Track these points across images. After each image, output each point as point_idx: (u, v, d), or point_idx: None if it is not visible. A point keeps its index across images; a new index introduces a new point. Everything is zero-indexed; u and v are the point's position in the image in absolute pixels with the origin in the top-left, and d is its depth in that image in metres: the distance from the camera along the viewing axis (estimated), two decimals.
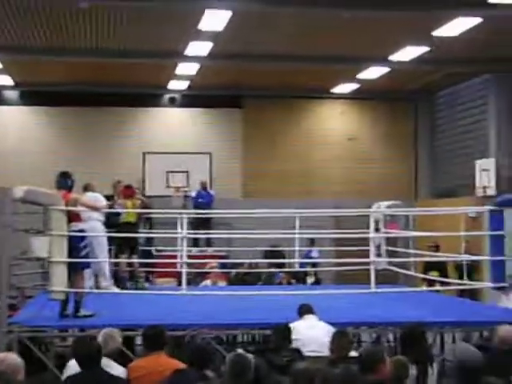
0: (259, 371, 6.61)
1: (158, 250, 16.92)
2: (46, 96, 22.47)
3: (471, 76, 21.24)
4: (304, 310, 8.59)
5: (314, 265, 17.57)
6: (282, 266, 16.99)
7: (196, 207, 19.74)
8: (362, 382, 5.88)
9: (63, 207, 9.41)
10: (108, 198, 13.16)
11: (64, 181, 9.80)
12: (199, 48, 17.62)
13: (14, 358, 5.51)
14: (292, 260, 15.55)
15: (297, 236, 13.94)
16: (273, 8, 14.65)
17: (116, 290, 12.35)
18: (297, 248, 14.12)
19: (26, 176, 19.27)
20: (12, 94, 22.77)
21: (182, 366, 6.41)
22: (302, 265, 16.30)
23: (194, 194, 20.48)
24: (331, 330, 7.73)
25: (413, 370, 6.65)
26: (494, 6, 14.11)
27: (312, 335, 8.07)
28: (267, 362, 7.13)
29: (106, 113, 22.88)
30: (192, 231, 16.14)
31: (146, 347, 6.99)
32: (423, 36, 16.61)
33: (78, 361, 6.20)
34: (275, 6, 14.47)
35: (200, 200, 20.09)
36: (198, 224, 18.33)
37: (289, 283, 16.93)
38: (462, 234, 12.71)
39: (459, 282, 14.30)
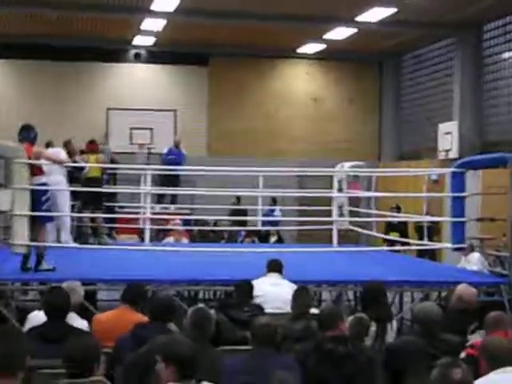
0: (220, 325, 6.68)
1: (121, 207, 16.87)
2: (8, 48, 22.09)
3: (437, 39, 21.32)
4: (272, 267, 8.62)
5: (276, 224, 17.65)
6: (244, 224, 17.05)
7: (166, 164, 19.60)
8: (320, 338, 5.98)
9: (26, 160, 9.33)
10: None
11: (27, 133, 9.67)
12: (166, 3, 17.44)
13: None
14: (255, 218, 15.59)
15: (260, 194, 13.98)
16: None
17: (74, 244, 12.29)
18: (259, 207, 14.16)
19: None
20: None
21: (146, 320, 6.45)
22: (264, 224, 16.37)
23: (165, 150, 20.32)
24: (294, 287, 7.80)
25: (372, 328, 6.76)
26: None
27: (274, 292, 8.13)
28: (229, 318, 7.21)
29: (70, 67, 22.59)
30: (157, 188, 16.12)
31: (122, 299, 7.06)
32: None
33: (47, 311, 6.20)
34: None
35: (170, 157, 19.94)
36: (165, 181, 18.27)
37: (252, 242, 17.03)
38: (424, 195, 12.84)
39: (419, 242, 14.48)
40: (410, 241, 14.93)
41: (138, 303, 6.97)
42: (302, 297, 7.22)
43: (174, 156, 19.92)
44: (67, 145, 13.40)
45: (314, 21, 19.23)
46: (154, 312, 6.30)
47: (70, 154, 12.94)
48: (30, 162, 9.38)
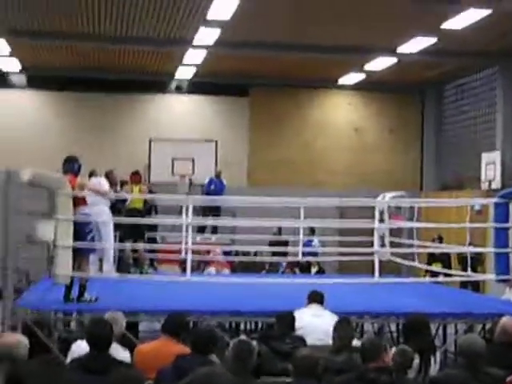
0: (262, 357, 6.66)
1: (162, 237, 16.95)
2: (53, 81, 22.51)
3: (479, 69, 21.22)
4: (312, 298, 8.58)
5: (316, 254, 17.56)
6: (285, 255, 17.00)
7: (207, 194, 19.72)
8: (363, 369, 5.92)
9: (70, 191, 9.43)
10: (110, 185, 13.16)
11: (71, 165, 9.81)
12: (207, 36, 17.61)
13: (22, 339, 5.56)
14: (295, 249, 15.54)
15: (301, 225, 13.94)
16: None
17: (116, 274, 12.37)
18: (301, 237, 14.12)
19: (33, 160, 19.30)
20: (20, 78, 22.79)
21: (187, 351, 6.44)
22: (305, 254, 16.29)
23: (206, 181, 20.44)
24: (335, 319, 7.75)
25: (416, 360, 6.68)
26: None
27: (316, 324, 8.09)
28: (270, 349, 7.18)
29: (113, 99, 22.90)
30: (198, 218, 16.17)
31: (162, 330, 7.07)
32: (432, 27, 16.59)
33: (90, 341, 6.22)
34: None
35: (212, 187, 20.07)
36: (207, 211, 18.38)
37: (293, 272, 16.97)
38: (467, 225, 12.70)
39: (462, 273, 14.30)
40: (453, 272, 14.77)
41: (179, 334, 6.96)
42: (343, 328, 7.17)
43: (216, 186, 20.02)
44: (109, 175, 13.54)
45: (355, 52, 19.24)
46: (196, 343, 6.30)
47: (111, 184, 13.07)
48: (74, 192, 9.49)
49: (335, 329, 7.17)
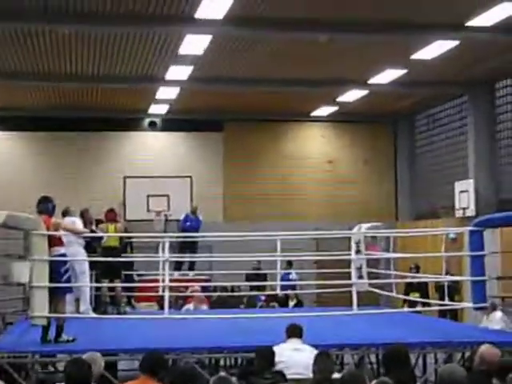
0: None
1: (139, 275, 16.87)
2: (25, 121, 22.42)
3: (449, 98, 21.46)
4: (291, 332, 8.55)
5: (294, 287, 17.56)
6: (263, 288, 16.98)
7: (183, 231, 19.68)
8: None
9: (44, 232, 9.38)
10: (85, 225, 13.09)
11: (45, 206, 9.77)
12: (179, 72, 17.68)
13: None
14: (273, 283, 15.53)
15: (279, 259, 13.93)
16: (251, 32, 14.74)
17: (93, 314, 12.28)
18: (278, 271, 14.12)
19: (7, 200, 19.20)
20: None
21: None
22: (283, 288, 16.27)
23: (182, 216, 20.42)
24: (315, 352, 7.71)
25: None
26: (471, 28, 14.29)
27: (296, 358, 8.05)
28: None
29: (86, 137, 22.86)
30: (175, 255, 16.13)
31: (140, 370, 7.00)
32: (401, 59, 16.78)
33: (68, 383, 6.15)
34: (253, 30, 14.55)
35: (188, 223, 20.05)
36: (183, 247, 18.33)
37: (271, 306, 16.93)
38: (443, 254, 12.77)
39: (440, 302, 14.34)
40: (431, 301, 14.79)
41: (157, 373, 6.89)
42: (323, 361, 7.14)
43: (192, 222, 20.00)
44: (84, 214, 13.48)
45: (327, 84, 19.39)
46: (175, 382, 6.23)
47: (86, 223, 13.02)
48: (49, 233, 9.44)
49: (315, 362, 7.14)
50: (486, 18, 13.81)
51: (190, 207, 20.88)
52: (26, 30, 14.53)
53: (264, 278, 18.04)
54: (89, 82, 18.85)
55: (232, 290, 17.81)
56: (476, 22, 14.01)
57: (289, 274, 17.87)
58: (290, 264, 18.45)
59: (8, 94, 20.36)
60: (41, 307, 9.24)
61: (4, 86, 19.46)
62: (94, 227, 13.51)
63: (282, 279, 16.28)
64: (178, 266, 18.48)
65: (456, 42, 15.34)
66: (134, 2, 13.00)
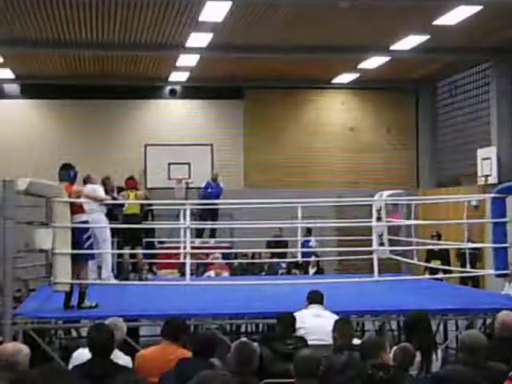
0: (264, 359, 6.65)
1: (160, 242, 16.95)
2: (46, 89, 22.51)
3: (472, 65, 21.24)
4: (312, 298, 8.57)
5: (315, 254, 17.58)
6: (284, 256, 17.02)
7: (204, 198, 19.71)
8: (363, 368, 5.92)
9: (66, 199, 9.42)
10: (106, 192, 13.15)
11: (66, 173, 9.80)
12: (199, 39, 17.62)
13: (23, 347, 5.56)
14: (294, 250, 15.56)
15: (299, 225, 13.95)
16: None
17: (115, 281, 12.37)
18: (298, 238, 14.14)
19: (28, 168, 19.32)
20: (13, 88, 22.79)
21: (189, 354, 6.43)
22: (304, 255, 16.30)
23: (203, 184, 20.45)
24: (336, 318, 7.74)
25: (417, 357, 6.68)
26: None
27: (317, 324, 8.07)
28: (272, 350, 7.17)
29: (107, 105, 22.91)
30: (196, 222, 16.18)
31: (162, 335, 7.06)
32: (424, 25, 16.60)
33: (92, 348, 6.21)
34: None
35: (209, 191, 20.08)
36: (204, 215, 18.38)
37: (293, 273, 16.99)
38: (465, 221, 12.71)
39: (461, 269, 14.31)
40: (452, 268, 14.77)
41: (178, 338, 6.96)
42: (343, 328, 7.15)
43: (213, 190, 20.03)
44: (105, 182, 13.53)
45: (348, 51, 19.25)
46: (196, 347, 6.29)
47: (107, 190, 13.07)
48: (71, 200, 9.48)
49: (334, 328, 7.16)
50: None
51: (211, 175, 20.89)
52: None
53: (285, 245, 18.05)
54: (109, 49, 18.82)
55: (253, 257, 17.86)
56: None
57: (308, 241, 17.88)
58: (309, 231, 18.46)
59: (29, 62, 20.40)
60: (63, 274, 9.30)
61: (25, 54, 19.50)
62: (115, 194, 13.56)
63: (302, 246, 16.33)
64: (199, 233, 18.56)
65: (479, 7, 15.14)
66: None
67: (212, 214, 18.81)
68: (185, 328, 7.19)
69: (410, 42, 18.09)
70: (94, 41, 18.08)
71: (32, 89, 22.58)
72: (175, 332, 6.97)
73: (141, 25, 16.65)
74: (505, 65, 19.67)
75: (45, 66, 20.83)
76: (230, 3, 14.68)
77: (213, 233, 19.19)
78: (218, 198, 19.72)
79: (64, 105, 22.81)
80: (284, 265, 17.50)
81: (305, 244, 17.34)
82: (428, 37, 17.59)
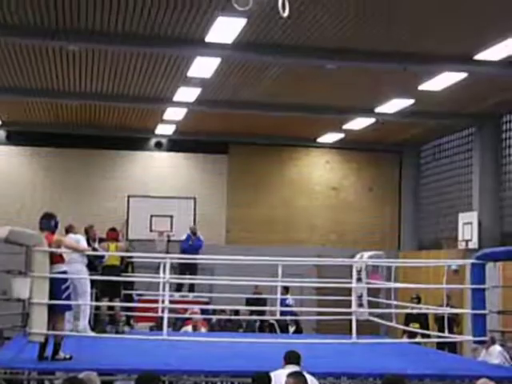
0: None
1: (139, 295, 16.83)
2: (32, 136, 22.55)
3: (456, 129, 21.49)
4: (289, 358, 8.51)
5: (293, 313, 17.48)
6: (263, 313, 16.92)
7: (184, 252, 19.66)
8: None
9: (46, 248, 9.38)
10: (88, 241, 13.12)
11: (47, 222, 9.77)
12: (187, 94, 17.77)
13: None
14: (272, 308, 15.49)
15: (279, 284, 13.91)
16: (259, 57, 14.80)
17: (91, 333, 12.24)
18: (278, 296, 14.08)
19: (9, 216, 19.27)
20: None
21: None
22: (282, 313, 16.21)
23: (183, 237, 20.42)
24: (313, 380, 7.69)
25: None
26: (479, 62, 14.35)
27: None
28: None
29: (92, 155, 22.95)
30: (176, 276, 16.09)
31: None
32: (409, 89, 16.83)
33: None
34: (262, 55, 14.62)
35: (190, 243, 20.05)
36: (183, 269, 18.30)
37: (271, 331, 16.87)
38: (444, 286, 12.73)
39: (440, 334, 14.27)
40: (431, 332, 14.72)
41: None
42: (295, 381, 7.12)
43: (193, 242, 20.00)
44: (88, 230, 13.49)
45: (333, 111, 19.45)
46: None
47: (90, 239, 13.02)
48: (51, 250, 9.43)
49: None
50: (494, 53, 13.87)
51: (190, 228, 20.89)
52: (36, 46, 14.61)
53: (264, 302, 17.97)
54: (97, 99, 18.93)
55: (235, 314, 17.74)
56: (484, 55, 14.07)
57: (285, 299, 17.78)
58: (286, 289, 18.39)
59: (17, 109, 20.46)
60: (39, 324, 9.21)
61: (13, 102, 19.56)
62: (96, 245, 13.52)
63: (281, 305, 16.25)
64: (178, 287, 18.44)
65: (464, 75, 15.39)
66: (145, 23, 13.09)
67: (191, 268, 18.72)
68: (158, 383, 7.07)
69: (394, 105, 18.31)
70: (82, 91, 18.18)
71: (18, 135, 22.60)
72: None
73: (130, 77, 16.77)
74: (488, 131, 19.92)
75: (32, 113, 20.89)
76: (219, 60, 14.85)
77: (191, 287, 19.09)
78: (197, 250, 19.68)
79: (49, 152, 22.82)
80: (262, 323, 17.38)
81: (282, 302, 17.25)
82: (413, 101, 17.83)
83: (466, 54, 14.21)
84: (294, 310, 17.48)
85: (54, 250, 9.52)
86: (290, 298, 17.80)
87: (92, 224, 13.98)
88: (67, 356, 9.50)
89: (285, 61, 15.12)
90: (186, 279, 18.06)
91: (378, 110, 18.81)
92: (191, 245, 19.94)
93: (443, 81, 15.84)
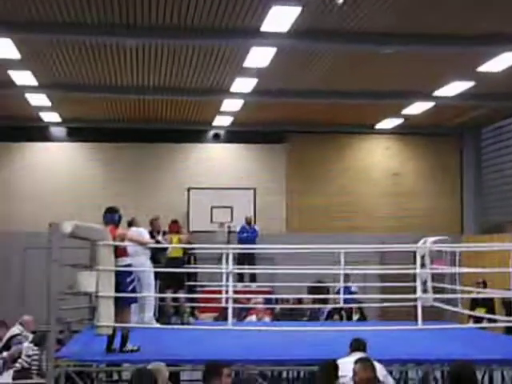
0: None
1: (202, 286, 16.95)
2: (92, 132, 22.86)
3: None
4: (355, 346, 8.49)
5: (357, 301, 17.39)
6: (326, 302, 16.87)
7: (240, 242, 19.78)
8: None
9: (111, 242, 9.50)
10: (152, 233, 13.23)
11: (111, 216, 9.91)
12: (244, 84, 17.78)
13: None
14: (336, 296, 15.44)
15: (341, 272, 13.85)
16: (315, 44, 14.74)
17: (157, 324, 12.37)
18: (341, 284, 14.03)
19: (74, 211, 19.57)
20: (59, 131, 23.17)
21: None
22: (346, 301, 16.14)
23: (238, 228, 20.54)
24: (379, 366, 7.65)
25: None
26: None
27: None
28: None
29: (151, 149, 23.16)
30: (238, 266, 16.17)
31: (204, 379, 7.04)
32: (468, 71, 16.57)
33: None
34: (317, 42, 14.55)
35: (245, 235, 20.15)
36: (241, 259, 18.36)
37: (335, 320, 16.81)
38: (510, 270, 12.50)
39: (507, 318, 14.05)
40: (498, 317, 14.50)
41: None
42: (362, 366, 7.14)
43: (247, 234, 20.08)
44: (153, 222, 13.64)
45: (391, 97, 19.26)
46: None
47: (153, 231, 13.15)
48: (115, 243, 9.55)
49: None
50: None
51: (245, 219, 20.95)
52: (93, 42, 14.79)
53: (327, 291, 17.90)
54: (155, 94, 19.07)
55: (299, 303, 17.73)
56: None
57: (349, 287, 17.68)
58: (347, 277, 18.26)
59: (76, 106, 20.74)
60: (106, 317, 9.34)
61: (72, 99, 19.82)
62: (160, 237, 13.64)
63: (344, 293, 16.19)
64: (240, 277, 18.54)
65: None
66: (200, 16, 13.13)
67: (249, 258, 18.78)
68: (222, 372, 7.08)
69: (454, 88, 18.05)
70: (140, 85, 18.34)
71: (78, 132, 22.95)
72: (212, 377, 6.92)
73: (186, 70, 16.86)
74: None
75: (91, 109, 21.17)
76: (275, 49, 14.82)
77: (253, 277, 19.16)
78: (253, 241, 19.76)
79: (109, 148, 23.11)
80: (326, 312, 17.33)
81: (346, 290, 17.18)
82: (473, 83, 17.54)
83: None
84: (356, 297, 17.37)
85: (118, 243, 9.64)
86: (354, 286, 17.70)
87: (158, 215, 14.12)
88: (135, 348, 9.62)
89: (340, 47, 15.01)
90: (248, 269, 18.14)
91: (437, 93, 18.57)
92: (246, 236, 20.04)
93: (503, 61, 15.55)
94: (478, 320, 14.86)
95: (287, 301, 17.66)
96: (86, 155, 23.20)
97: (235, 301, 13.46)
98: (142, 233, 12.42)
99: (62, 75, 17.28)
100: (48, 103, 19.90)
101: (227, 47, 15.11)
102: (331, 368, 7.62)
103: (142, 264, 11.93)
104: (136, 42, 14.62)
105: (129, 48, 15.15)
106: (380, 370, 7.63)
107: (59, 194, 22.25)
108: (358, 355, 8.38)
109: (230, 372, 7.02)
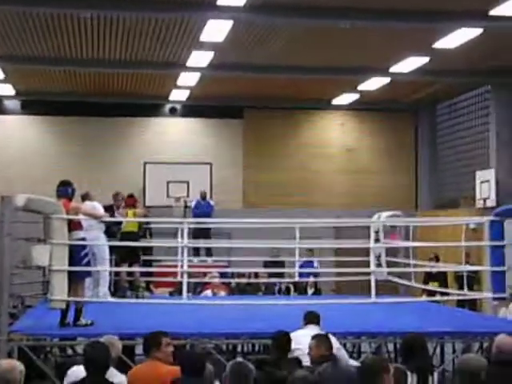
0: None
1: (157, 260, 16.91)
2: (47, 105, 22.56)
3: (471, 87, 21.31)
4: (309, 319, 8.56)
5: (316, 275, 17.52)
6: (282, 276, 16.97)
7: (195, 217, 19.75)
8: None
9: (64, 215, 9.42)
10: (106, 208, 13.14)
11: (64, 189, 9.83)
12: (200, 58, 17.67)
13: (18, 365, 5.53)
14: (292, 270, 15.53)
15: (297, 246, 13.94)
16: (271, 18, 14.69)
17: (111, 299, 12.32)
18: (297, 258, 14.11)
19: (27, 185, 19.34)
20: (13, 104, 22.83)
21: (176, 370, 6.38)
22: (302, 275, 16.26)
23: (193, 203, 20.52)
24: (333, 340, 7.72)
25: (413, 380, 6.65)
26: (495, 17, 14.16)
27: None
28: (266, 376, 7.10)
29: (107, 123, 22.94)
30: (194, 241, 16.16)
31: (144, 351, 7.03)
32: (424, 47, 16.66)
33: (87, 366, 6.16)
34: (274, 16, 14.51)
35: (198, 210, 20.13)
36: (197, 234, 18.33)
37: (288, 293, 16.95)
38: (463, 244, 12.69)
39: (459, 292, 14.28)
40: (450, 291, 14.73)
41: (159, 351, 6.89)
42: (319, 340, 7.24)
43: (202, 208, 20.08)
44: (115, 197, 13.59)
45: (347, 72, 19.30)
46: (186, 366, 6.23)
47: (113, 206, 13.10)
48: (69, 217, 9.48)
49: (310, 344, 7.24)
50: (510, 7, 13.66)
51: (200, 194, 20.94)
52: (48, 13, 14.56)
53: (282, 265, 18.01)
54: (110, 67, 18.85)
55: (255, 277, 17.81)
56: (500, 10, 13.87)
57: (311, 262, 17.79)
58: (311, 252, 18.38)
59: (30, 78, 20.46)
60: (60, 291, 9.29)
61: (26, 71, 19.54)
62: (119, 211, 13.58)
63: (303, 267, 16.31)
64: (195, 252, 18.51)
65: (479, 31, 15.19)
66: None
67: (205, 233, 18.74)
68: (161, 342, 7.03)
69: (409, 63, 18.14)
70: (95, 58, 18.13)
71: (32, 105, 22.64)
72: (153, 347, 6.92)
73: (142, 43, 16.70)
74: (504, 88, 19.74)
75: (46, 82, 20.89)
76: (231, 23, 14.74)
77: (209, 252, 19.16)
78: (208, 216, 19.76)
79: (64, 121, 22.84)
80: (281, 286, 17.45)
81: (307, 265, 17.30)
82: (428, 59, 17.65)
83: (482, 10, 14.02)
84: (314, 271, 17.50)
85: (71, 217, 9.56)
86: (315, 261, 17.81)
87: (119, 191, 14.03)
88: (88, 322, 9.60)
89: (297, 21, 14.97)
90: (204, 243, 18.12)
91: (393, 69, 18.65)
92: (200, 211, 20.04)
93: (458, 38, 15.66)
94: (431, 293, 15.10)
95: (243, 275, 17.72)
96: (41, 129, 22.92)
97: (191, 275, 13.50)
98: (96, 206, 12.33)
99: (16, 47, 17.00)
100: (1, 75, 19.57)
101: (183, 20, 14.99)
102: (283, 340, 7.67)
103: (96, 238, 11.85)
104: (91, 13, 14.42)
105: (84, 20, 14.94)
106: (333, 343, 7.70)
107: (12, 168, 21.96)
108: (311, 328, 8.46)
109: (170, 341, 7.00)
